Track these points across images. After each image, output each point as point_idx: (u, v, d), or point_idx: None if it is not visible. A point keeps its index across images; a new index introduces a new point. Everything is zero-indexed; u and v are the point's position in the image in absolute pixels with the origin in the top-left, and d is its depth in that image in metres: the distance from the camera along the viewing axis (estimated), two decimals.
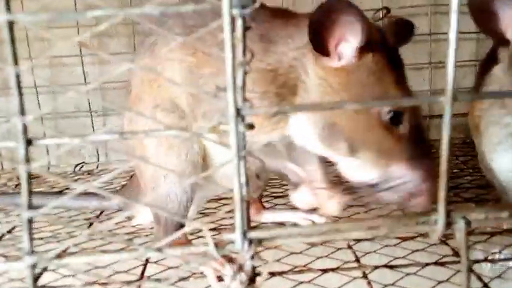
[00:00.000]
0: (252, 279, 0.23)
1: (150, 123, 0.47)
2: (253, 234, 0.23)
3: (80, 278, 0.46)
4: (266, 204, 0.64)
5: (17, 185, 0.82)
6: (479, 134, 0.45)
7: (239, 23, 0.21)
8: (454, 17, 0.21)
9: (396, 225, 0.23)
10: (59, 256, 0.23)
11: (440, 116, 0.22)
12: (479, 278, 0.43)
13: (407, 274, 0.43)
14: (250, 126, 0.23)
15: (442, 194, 0.23)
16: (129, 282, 0.43)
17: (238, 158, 0.22)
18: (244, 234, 0.22)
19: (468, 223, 0.24)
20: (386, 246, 0.49)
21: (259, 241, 0.23)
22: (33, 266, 0.22)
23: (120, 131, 0.22)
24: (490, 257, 0.46)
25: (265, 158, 0.41)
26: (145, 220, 0.57)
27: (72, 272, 0.46)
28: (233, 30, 0.20)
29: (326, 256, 0.48)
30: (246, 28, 0.22)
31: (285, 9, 0.48)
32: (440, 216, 0.23)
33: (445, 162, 0.22)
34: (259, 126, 0.40)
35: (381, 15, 0.97)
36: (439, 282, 0.42)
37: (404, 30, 0.42)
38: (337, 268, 0.45)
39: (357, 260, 0.47)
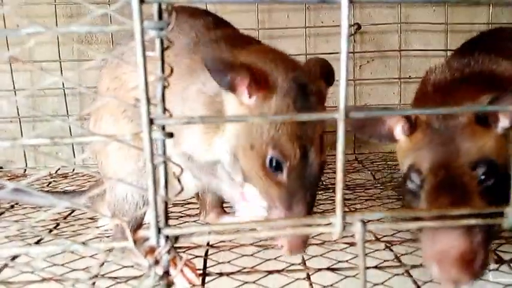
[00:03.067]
0: (167, 272, 0.26)
1: (110, 128, 0.50)
2: (168, 231, 0.25)
3: (37, 274, 0.48)
4: (229, 209, 0.67)
5: None
6: None
7: (157, 43, 0.24)
8: (344, 41, 0.24)
9: (299, 226, 0.26)
10: None
11: None
12: (415, 282, 0.46)
13: (347, 277, 0.46)
14: (169, 135, 0.26)
15: (339, 198, 0.26)
16: (83, 280, 0.45)
17: (152, 163, 0.24)
18: (159, 231, 0.25)
19: (364, 224, 0.26)
20: (333, 250, 0.52)
21: (176, 238, 0.26)
22: None
23: (51, 137, 0.25)
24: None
25: (205, 177, 0.44)
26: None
27: (31, 269, 0.48)
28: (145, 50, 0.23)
29: (275, 259, 0.50)
30: (164, 48, 0.25)
31: (247, 37, 0.51)
32: (337, 219, 0.26)
33: (340, 172, 0.25)
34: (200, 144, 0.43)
35: (352, 31, 1.01)
36: (374, 285, 0.44)
37: (326, 72, 0.43)
38: (283, 270, 0.48)
39: (304, 263, 0.50)
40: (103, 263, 0.49)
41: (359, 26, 1.00)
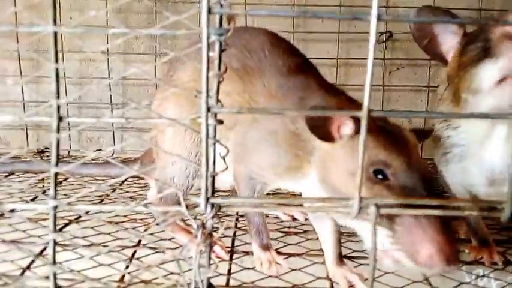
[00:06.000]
0: (211, 234, 0.31)
1: (174, 110, 0.55)
2: (214, 200, 0.31)
3: (88, 240, 0.55)
4: None
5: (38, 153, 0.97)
6: (433, 147, 0.52)
7: (217, 45, 0.30)
8: (371, 51, 0.29)
9: (322, 205, 0.31)
10: (71, 204, 0.31)
11: None
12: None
13: (361, 264, 0.51)
14: (220, 122, 0.31)
15: (357, 183, 0.30)
16: (126, 247, 0.52)
17: (206, 143, 0.30)
18: (207, 199, 0.31)
19: (378, 208, 0.31)
20: (350, 240, 0.57)
21: (220, 207, 0.31)
22: (55, 208, 0.31)
23: (126, 117, 0.31)
24: None
25: None
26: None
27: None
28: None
29: (296, 244, 0.56)
30: (222, 50, 0.30)
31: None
32: (355, 201, 0.31)
33: (360, 160, 0.30)
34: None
35: (383, 39, 1.05)
36: (386, 273, 0.49)
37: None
38: (303, 254, 0.53)
39: (322, 249, 0.54)
40: (147, 229, 0.55)
41: (391, 34, 1.04)
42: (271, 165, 0.48)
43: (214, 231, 0.31)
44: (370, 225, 0.31)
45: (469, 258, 0.53)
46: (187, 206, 0.31)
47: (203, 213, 0.31)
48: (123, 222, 0.59)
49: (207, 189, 0.31)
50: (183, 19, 0.30)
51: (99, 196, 0.69)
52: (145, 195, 0.71)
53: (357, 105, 0.42)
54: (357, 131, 0.41)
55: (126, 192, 0.75)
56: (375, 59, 0.90)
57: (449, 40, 0.48)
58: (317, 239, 0.57)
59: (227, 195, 0.69)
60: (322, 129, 0.41)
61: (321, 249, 0.54)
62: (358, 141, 0.39)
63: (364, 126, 0.30)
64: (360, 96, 0.40)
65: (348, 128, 0.42)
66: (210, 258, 0.32)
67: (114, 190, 0.74)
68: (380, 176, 0.40)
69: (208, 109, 0.30)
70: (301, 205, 0.31)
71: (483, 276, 0.50)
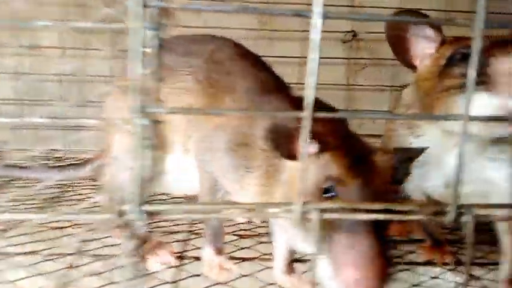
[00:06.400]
0: (143, 242, 0.29)
1: (124, 109, 0.53)
2: (145, 208, 0.29)
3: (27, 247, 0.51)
4: None
5: None
6: None
7: (154, 41, 0.28)
8: (315, 50, 0.28)
9: (264, 209, 0.30)
10: None
11: None
12: None
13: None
14: (155, 122, 0.29)
15: (300, 189, 0.29)
16: (67, 255, 0.49)
17: (141, 145, 0.28)
18: (138, 206, 0.29)
19: (320, 212, 0.30)
20: None
21: (152, 214, 0.29)
22: None
23: (52, 117, 0.28)
24: None
25: None
26: None
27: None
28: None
29: (249, 247, 0.54)
30: (160, 46, 0.28)
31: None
32: (297, 206, 0.30)
33: (303, 164, 0.29)
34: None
35: (348, 38, 1.05)
36: None
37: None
38: (256, 258, 0.52)
39: None
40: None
41: (355, 34, 1.04)
42: (236, 177, 0.45)
43: (148, 238, 0.30)
44: (315, 230, 0.30)
45: (422, 258, 0.54)
46: (120, 213, 0.29)
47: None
48: (67, 227, 0.56)
49: (138, 196, 0.29)
50: (118, 12, 0.28)
51: (45, 199, 0.65)
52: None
53: (333, 125, 0.40)
54: (321, 150, 0.39)
55: (79, 194, 0.71)
56: (339, 58, 0.90)
57: (423, 46, 0.46)
58: (271, 242, 0.56)
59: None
60: (285, 147, 0.38)
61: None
62: (321, 161, 0.38)
63: (307, 127, 0.28)
64: (321, 94, 0.39)
65: (311, 146, 0.39)
66: (143, 267, 0.30)
67: (63, 192, 0.70)
68: (329, 194, 0.37)
69: (142, 108, 0.28)
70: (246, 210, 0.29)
71: (435, 277, 0.50)
